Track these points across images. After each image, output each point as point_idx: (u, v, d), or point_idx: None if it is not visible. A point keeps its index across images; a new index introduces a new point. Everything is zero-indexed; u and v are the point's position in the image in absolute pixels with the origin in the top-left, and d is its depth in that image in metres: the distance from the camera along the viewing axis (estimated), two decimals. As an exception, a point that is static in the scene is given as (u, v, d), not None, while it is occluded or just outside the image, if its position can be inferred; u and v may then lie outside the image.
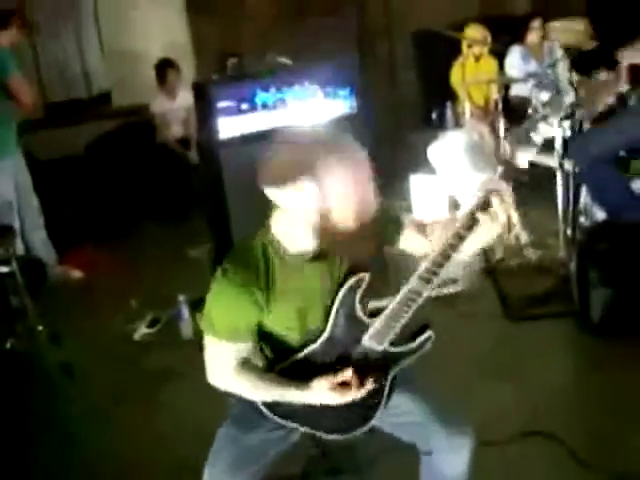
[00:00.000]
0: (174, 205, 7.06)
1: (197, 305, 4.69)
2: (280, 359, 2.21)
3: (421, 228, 2.35)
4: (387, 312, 2.10)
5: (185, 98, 7.12)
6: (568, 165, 4.97)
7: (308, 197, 1.91)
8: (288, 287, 2.07)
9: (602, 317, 4.05)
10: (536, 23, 6.89)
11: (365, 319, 2.15)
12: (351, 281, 2.11)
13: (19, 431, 3.82)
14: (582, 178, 4.86)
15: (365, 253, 2.12)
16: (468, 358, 3.96)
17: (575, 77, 5.68)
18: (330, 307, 2.13)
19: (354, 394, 2.12)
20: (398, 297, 2.07)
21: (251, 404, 2.26)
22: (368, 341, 2.16)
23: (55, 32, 7.89)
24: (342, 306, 2.12)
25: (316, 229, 1.98)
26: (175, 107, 7.40)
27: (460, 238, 2.01)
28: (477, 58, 7.10)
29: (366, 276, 2.12)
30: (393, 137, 6.93)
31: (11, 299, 4.41)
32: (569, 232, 4.93)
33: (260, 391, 2.19)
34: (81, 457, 3.58)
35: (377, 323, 2.12)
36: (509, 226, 5.35)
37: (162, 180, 7.14)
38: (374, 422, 2.33)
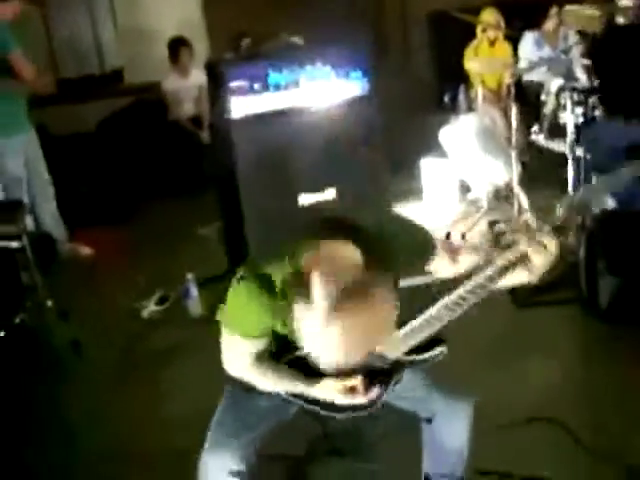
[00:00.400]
0: (184, 183, 7.07)
1: (206, 283, 4.72)
2: (288, 351, 2.21)
3: (452, 251, 2.24)
4: (403, 331, 2.09)
5: (197, 76, 7.13)
6: (579, 151, 4.95)
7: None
8: None
9: (610, 304, 4.05)
10: (554, 10, 6.89)
11: None
12: None
13: (24, 406, 3.86)
14: (594, 165, 4.84)
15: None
16: (475, 344, 3.95)
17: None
18: None
19: (360, 399, 2.18)
20: (418, 320, 2.06)
21: None
22: (382, 352, 2.15)
23: (68, 8, 7.90)
24: None
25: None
26: (187, 85, 7.41)
27: (491, 280, 1.93)
28: (492, 42, 7.07)
29: None
30: (405, 120, 6.90)
31: (21, 275, 4.43)
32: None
33: (271, 383, 2.23)
34: (86, 437, 3.60)
35: (392, 339, 2.09)
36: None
37: (173, 158, 7.15)
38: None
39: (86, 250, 5.94)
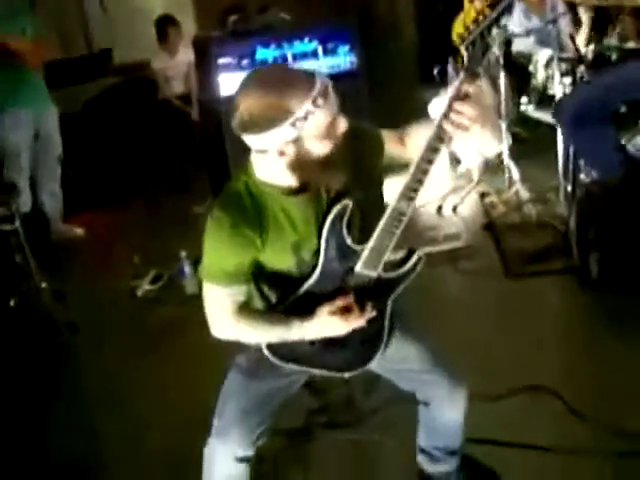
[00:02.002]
0: (176, 161, 7.07)
1: (200, 262, 4.73)
2: (280, 298, 2.23)
3: (400, 139, 2.39)
4: (375, 236, 2.09)
5: (186, 54, 7.09)
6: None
7: (283, 140, 1.93)
8: (279, 223, 2.08)
9: (601, 273, 4.07)
10: (538, -21, 6.86)
11: (356, 247, 2.13)
12: (335, 210, 2.09)
13: (23, 389, 3.89)
14: (567, 139, 4.79)
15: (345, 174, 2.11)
16: (467, 314, 3.99)
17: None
18: (319, 239, 2.13)
19: (357, 319, 2.14)
20: (383, 219, 2.07)
21: (256, 355, 2.28)
22: (361, 268, 2.15)
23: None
24: (330, 236, 2.11)
25: (295, 167, 2.00)
26: (176, 63, 7.37)
27: (433, 150, 2.04)
28: (479, 13, 7.06)
29: (349, 203, 2.10)
30: (394, 93, 6.90)
31: (15, 257, 4.43)
32: (569, 188, 4.94)
33: (262, 332, 2.20)
34: (86, 413, 3.65)
35: (367, 249, 2.12)
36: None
37: (164, 136, 7.14)
38: (374, 367, 2.36)
39: (79, 231, 5.95)
